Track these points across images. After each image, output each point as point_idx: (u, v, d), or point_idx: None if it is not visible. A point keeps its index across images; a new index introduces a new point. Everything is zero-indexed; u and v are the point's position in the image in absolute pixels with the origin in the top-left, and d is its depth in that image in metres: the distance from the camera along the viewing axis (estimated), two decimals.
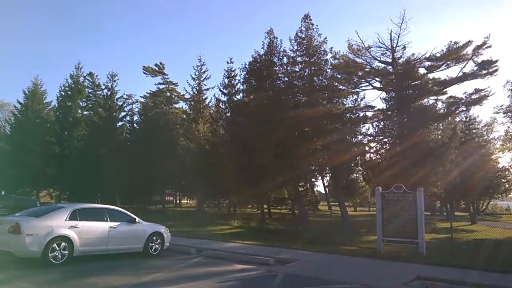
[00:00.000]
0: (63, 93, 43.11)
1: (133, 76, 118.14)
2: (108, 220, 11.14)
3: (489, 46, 25.57)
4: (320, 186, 54.22)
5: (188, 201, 55.31)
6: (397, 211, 13.32)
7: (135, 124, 47.13)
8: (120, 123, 45.98)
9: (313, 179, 38.45)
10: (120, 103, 46.19)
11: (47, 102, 45.74)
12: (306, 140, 26.19)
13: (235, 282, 9.37)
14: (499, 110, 30.96)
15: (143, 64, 60.00)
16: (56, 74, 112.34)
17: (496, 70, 25.76)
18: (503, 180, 36.13)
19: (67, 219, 10.15)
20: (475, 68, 26.17)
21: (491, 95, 26.50)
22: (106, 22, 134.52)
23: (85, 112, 46.27)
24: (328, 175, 35.07)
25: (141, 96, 52.50)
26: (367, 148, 29.34)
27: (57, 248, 9.63)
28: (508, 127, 31.34)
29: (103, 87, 45.72)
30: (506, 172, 36.27)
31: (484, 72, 25.94)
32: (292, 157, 24.43)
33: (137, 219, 12.02)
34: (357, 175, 37.27)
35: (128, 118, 47.66)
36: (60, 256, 9.65)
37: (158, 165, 36.24)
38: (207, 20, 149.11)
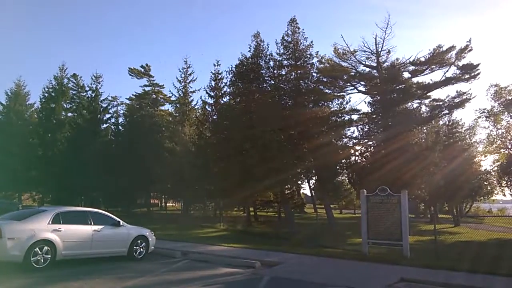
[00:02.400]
0: (46, 94, 42.41)
1: (118, 78, 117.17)
2: (92, 223, 10.97)
3: (471, 50, 26.18)
4: (306, 189, 54.42)
5: (174, 204, 54.94)
6: (382, 213, 13.40)
7: (120, 127, 46.62)
8: (105, 125, 45.51)
9: (299, 182, 38.60)
10: (105, 105, 45.73)
11: (30, 104, 45.11)
12: (292, 143, 26.33)
13: (220, 285, 9.33)
14: (481, 113, 31.49)
15: (129, 65, 59.48)
16: (40, 76, 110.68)
17: (478, 74, 26.30)
18: (485, 183, 36.71)
19: (50, 222, 9.95)
20: (458, 72, 26.68)
21: (473, 98, 27.07)
22: (91, 24, 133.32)
23: (69, 114, 45.59)
24: (314, 177, 35.23)
25: (126, 98, 52.00)
26: (352, 151, 29.58)
27: (39, 252, 9.43)
28: (491, 130, 31.89)
29: (87, 88, 45.23)
30: (488, 175, 36.86)
31: (466, 76, 26.47)
32: (278, 160, 24.49)
33: (122, 222, 11.89)
34: (342, 178, 37.50)
35: (113, 120, 47.17)
36: (42, 260, 9.45)
37: (143, 167, 35.94)
38: (194, 22, 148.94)
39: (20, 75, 50.53)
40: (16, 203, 28.72)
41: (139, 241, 12.09)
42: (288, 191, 35.04)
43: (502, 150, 31.78)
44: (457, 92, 27.43)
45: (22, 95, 43.81)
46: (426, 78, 28.00)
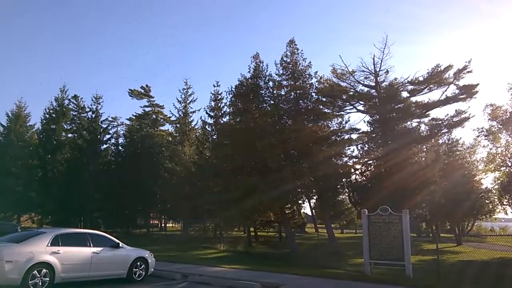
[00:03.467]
0: (47, 115, 42.53)
1: (119, 99, 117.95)
2: (91, 245, 10.90)
3: (470, 71, 26.29)
4: (306, 208, 54.15)
5: (174, 225, 54.55)
6: (383, 233, 13.31)
7: (120, 147, 46.64)
8: (105, 146, 45.42)
9: (299, 201, 38.39)
10: (105, 126, 45.69)
11: (30, 125, 45.21)
12: (292, 162, 26.29)
13: None
14: (480, 132, 31.50)
15: (130, 87, 59.75)
16: (40, 96, 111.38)
17: (476, 92, 26.42)
18: (486, 201, 36.47)
19: (49, 244, 9.88)
20: (457, 91, 26.82)
21: (472, 117, 27.12)
22: (92, 45, 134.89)
23: (69, 135, 45.57)
24: (314, 197, 35.05)
25: (126, 119, 52.27)
26: (352, 170, 29.52)
27: (38, 275, 9.33)
28: (490, 148, 31.84)
29: (87, 109, 45.33)
30: (489, 193, 36.65)
31: (465, 95, 26.58)
32: (278, 179, 24.41)
33: (121, 244, 11.81)
34: (343, 197, 37.28)
35: (113, 141, 47.15)
36: (40, 284, 9.34)
37: (143, 188, 35.79)
38: (193, 43, 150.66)
39: (21, 97, 50.98)
40: (15, 225, 28.56)
41: (138, 263, 11.99)
42: (289, 211, 34.80)
43: (502, 168, 31.64)
44: (456, 111, 27.54)
45: (23, 116, 44.00)
46: (424, 97, 28.13)
